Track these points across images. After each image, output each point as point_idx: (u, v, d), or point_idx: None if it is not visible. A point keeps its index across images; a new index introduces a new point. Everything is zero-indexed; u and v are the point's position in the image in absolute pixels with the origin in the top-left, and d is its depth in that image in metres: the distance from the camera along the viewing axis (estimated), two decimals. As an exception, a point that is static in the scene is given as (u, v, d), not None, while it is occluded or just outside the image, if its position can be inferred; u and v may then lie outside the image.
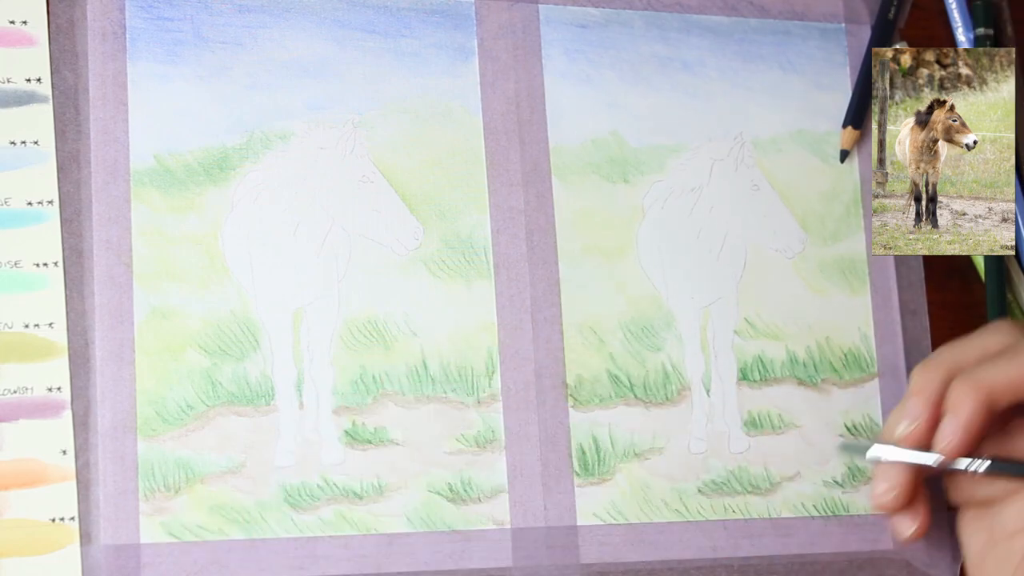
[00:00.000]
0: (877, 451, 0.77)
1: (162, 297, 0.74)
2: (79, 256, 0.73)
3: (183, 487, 0.73)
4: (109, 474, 0.72)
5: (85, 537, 0.71)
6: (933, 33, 0.89)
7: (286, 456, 0.75)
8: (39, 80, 0.74)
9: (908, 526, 0.79)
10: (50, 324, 0.72)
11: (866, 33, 0.87)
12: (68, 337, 0.72)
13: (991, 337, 0.77)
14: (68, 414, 0.72)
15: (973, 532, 0.79)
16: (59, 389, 0.72)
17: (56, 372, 0.72)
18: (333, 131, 0.78)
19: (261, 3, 0.78)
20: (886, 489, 0.78)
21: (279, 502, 0.74)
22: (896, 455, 0.77)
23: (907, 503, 0.78)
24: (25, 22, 0.74)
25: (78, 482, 0.71)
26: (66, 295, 0.73)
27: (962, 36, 0.88)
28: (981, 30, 0.88)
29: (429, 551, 0.75)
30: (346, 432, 0.76)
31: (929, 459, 0.76)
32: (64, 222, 0.73)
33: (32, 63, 0.74)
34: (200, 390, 0.74)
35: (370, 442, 0.76)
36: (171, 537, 0.72)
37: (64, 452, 0.71)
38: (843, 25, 0.87)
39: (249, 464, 0.74)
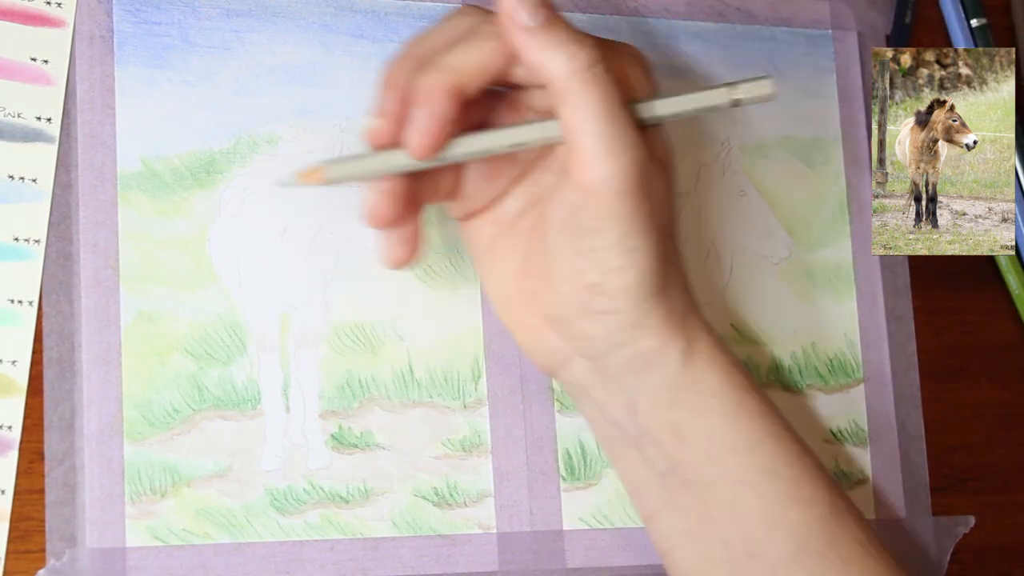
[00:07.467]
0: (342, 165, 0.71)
1: (149, 301, 0.74)
2: (66, 259, 0.73)
3: (169, 491, 0.73)
4: (95, 478, 0.72)
5: (70, 540, 0.71)
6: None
7: (272, 460, 0.75)
8: (49, 120, 0.73)
9: (395, 249, 0.72)
10: (13, 362, 0.72)
11: (853, 40, 0.87)
12: (54, 341, 0.72)
13: (457, 21, 0.71)
14: (14, 454, 0.71)
15: (475, 234, 0.74)
16: (10, 428, 0.71)
17: (10, 410, 0.71)
18: (321, 136, 0.78)
19: (249, 8, 0.78)
20: (373, 199, 0.70)
21: (265, 506, 0.74)
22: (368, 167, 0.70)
23: (397, 219, 0.71)
24: (46, 61, 0.74)
25: (47, 491, 0.71)
26: (48, 311, 0.72)
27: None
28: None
29: (415, 555, 0.75)
30: (332, 436, 0.76)
31: (401, 160, 0.69)
32: (51, 225, 0.73)
33: (46, 102, 0.74)
34: (186, 394, 0.74)
35: (356, 446, 0.76)
36: (157, 541, 0.72)
37: (3, 492, 0.71)
38: (830, 32, 0.87)
39: (235, 468, 0.74)
